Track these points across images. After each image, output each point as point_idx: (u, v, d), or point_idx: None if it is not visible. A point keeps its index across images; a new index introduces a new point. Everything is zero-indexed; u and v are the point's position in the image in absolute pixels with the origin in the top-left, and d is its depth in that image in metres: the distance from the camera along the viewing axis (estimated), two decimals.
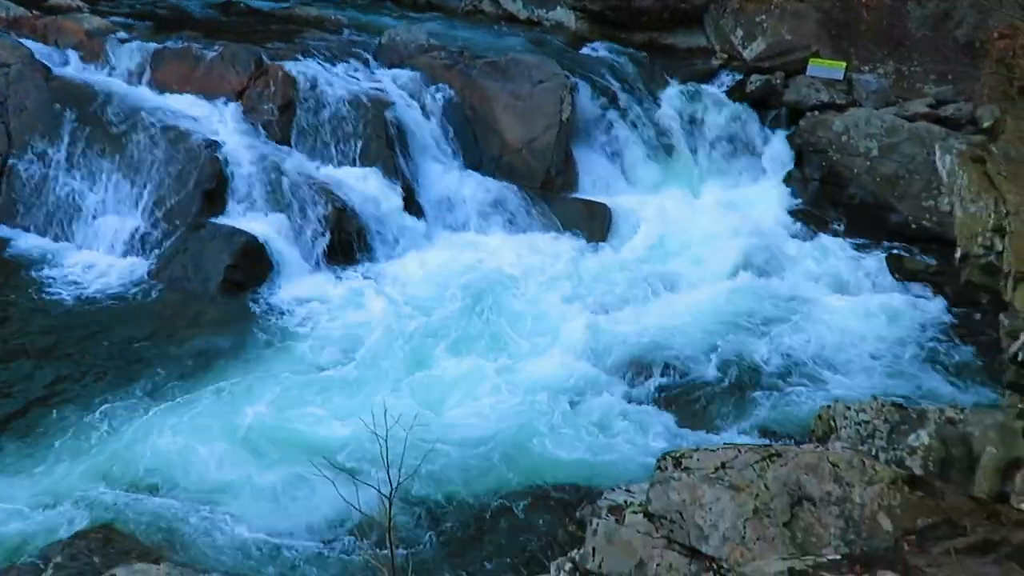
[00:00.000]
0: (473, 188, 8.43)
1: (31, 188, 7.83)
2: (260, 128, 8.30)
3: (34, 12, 9.27)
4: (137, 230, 7.65)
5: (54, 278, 7.15)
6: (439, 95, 8.77)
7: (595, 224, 8.39)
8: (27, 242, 7.52)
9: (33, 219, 7.75)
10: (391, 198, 8.03)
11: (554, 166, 8.72)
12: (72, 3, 9.67)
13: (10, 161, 7.86)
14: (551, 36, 10.64)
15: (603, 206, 8.59)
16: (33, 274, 7.16)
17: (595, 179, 8.83)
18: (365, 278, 7.50)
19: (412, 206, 8.20)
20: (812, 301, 7.38)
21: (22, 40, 8.52)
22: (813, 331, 6.93)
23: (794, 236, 8.41)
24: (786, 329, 6.97)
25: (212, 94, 8.45)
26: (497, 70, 9.04)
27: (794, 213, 8.74)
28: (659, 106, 9.41)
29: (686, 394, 6.19)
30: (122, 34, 8.82)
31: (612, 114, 9.14)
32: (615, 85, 9.33)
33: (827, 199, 8.82)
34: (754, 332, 6.94)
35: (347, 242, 7.73)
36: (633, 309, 7.17)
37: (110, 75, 8.50)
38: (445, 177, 8.48)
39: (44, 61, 8.38)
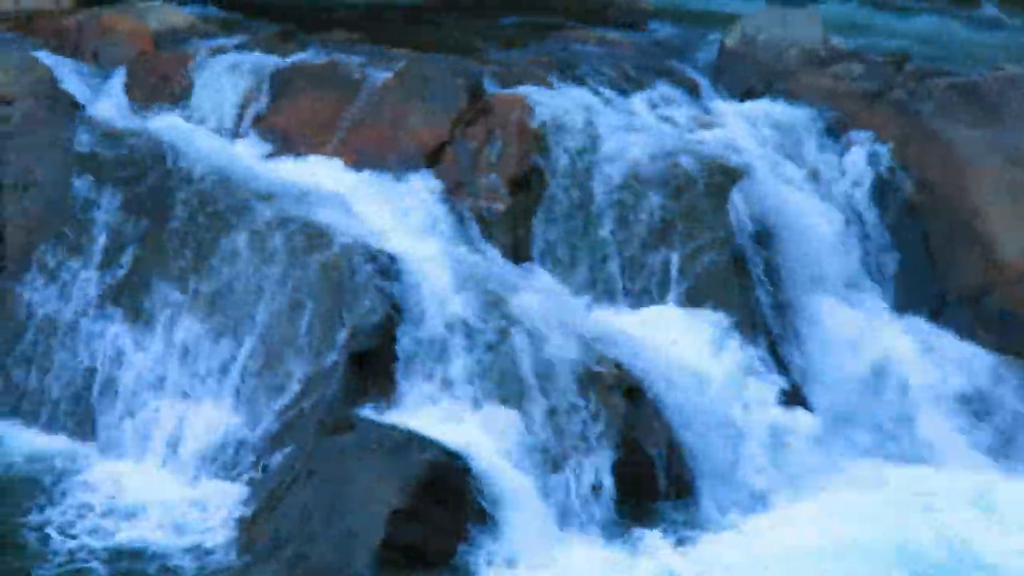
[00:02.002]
0: (926, 361, 8.24)
1: (32, 340, 8.16)
2: (473, 223, 8.42)
3: (60, 3, 10.06)
4: (219, 428, 7.78)
5: (57, 516, 7.34)
6: (852, 156, 8.97)
7: None
8: (18, 442, 7.92)
9: (32, 400, 8.09)
10: (745, 379, 7.86)
11: None
12: None
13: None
14: None
15: None
16: (21, 506, 7.43)
17: None
18: (683, 554, 7.25)
19: (789, 396, 7.96)
20: None
21: (38, 54, 9.12)
22: None
23: None
24: None
25: (379, 155, 8.66)
26: (977, 102, 9.13)
27: None
28: None
29: None
30: (219, 39, 9.39)
31: None
32: None
33: None
34: None
35: (644, 470, 7.58)
36: None
37: (190, 120, 8.92)
38: (860, 333, 8.44)
39: (73, 92, 8.90)
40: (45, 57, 9.15)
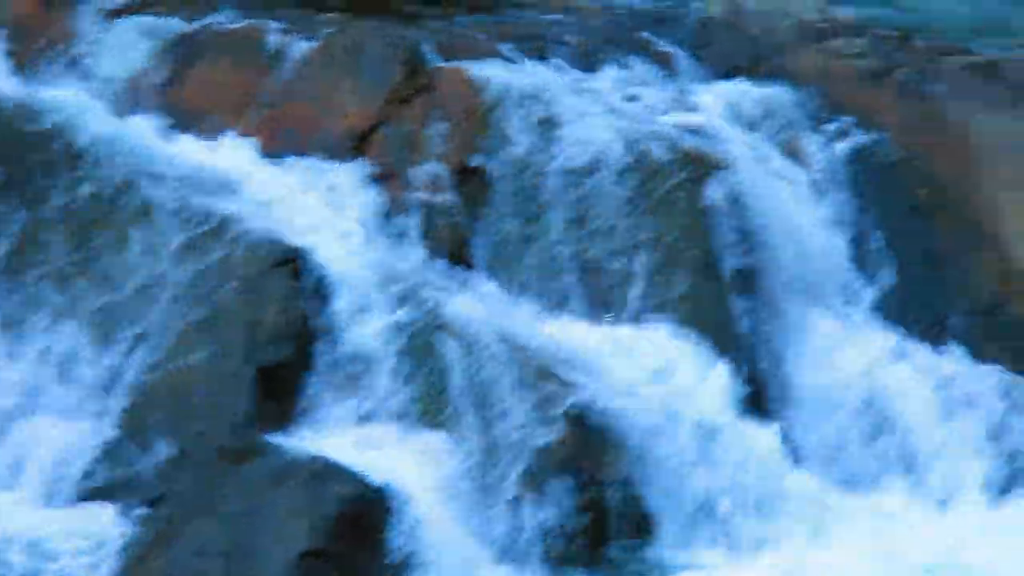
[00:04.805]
0: (928, 383, 8.32)
1: None
2: (406, 219, 8.49)
3: None
4: (104, 451, 7.83)
5: None
6: (849, 145, 8.94)
7: None
8: None
9: None
10: (717, 403, 7.95)
11: None
12: None
13: None
14: None
15: None
16: None
17: None
18: None
19: (767, 423, 8.05)
20: None
21: None
22: None
23: None
24: None
25: (300, 138, 8.77)
26: (997, 85, 9.26)
27: None
28: None
29: None
30: None
31: None
32: None
33: None
34: None
35: (595, 505, 7.61)
36: None
37: (83, 91, 8.92)
38: (852, 351, 8.43)
39: None
40: None
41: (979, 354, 8.59)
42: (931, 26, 9.96)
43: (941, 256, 8.96)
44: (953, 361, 8.59)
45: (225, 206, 8.35)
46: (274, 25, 9.27)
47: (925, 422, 8.39)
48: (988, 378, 8.50)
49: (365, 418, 7.85)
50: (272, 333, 7.91)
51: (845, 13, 10.15)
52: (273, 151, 8.78)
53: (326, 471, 7.39)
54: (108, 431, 7.90)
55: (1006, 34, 10.37)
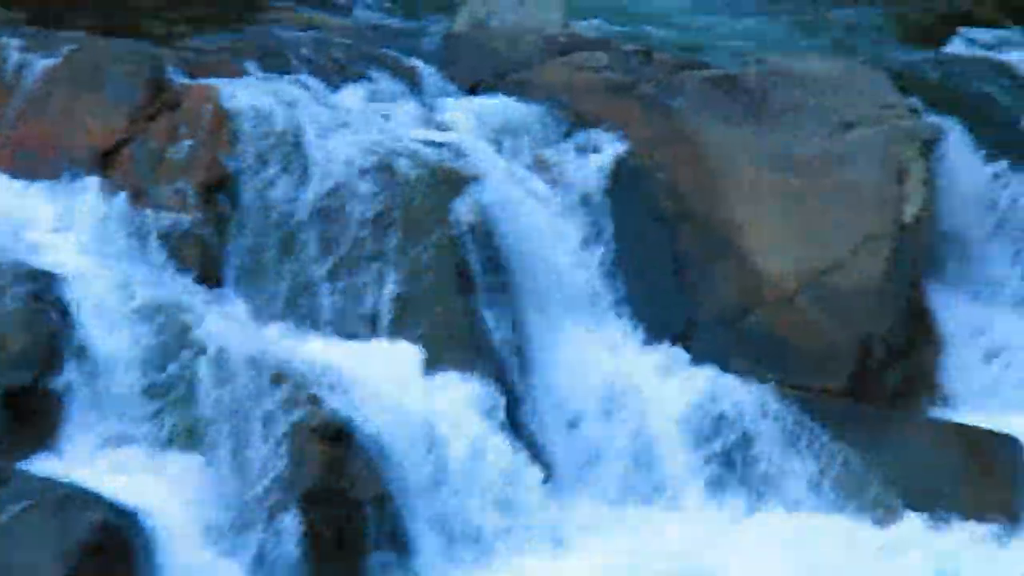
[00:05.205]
0: (671, 391, 8.49)
1: None
2: (153, 238, 8.32)
3: None
4: None
5: None
6: (592, 159, 9.03)
7: (988, 486, 8.35)
8: None
9: None
10: (468, 416, 7.94)
11: (880, 340, 8.78)
12: None
13: None
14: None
15: (1011, 442, 8.51)
16: None
17: (990, 372, 9.07)
18: None
19: (516, 434, 8.08)
20: None
21: None
22: None
23: None
24: None
25: (42, 157, 8.57)
26: (736, 98, 9.39)
27: None
28: None
29: None
30: None
31: None
32: None
33: None
34: None
35: (352, 522, 7.62)
36: None
37: None
38: (600, 361, 8.58)
39: None
40: None
41: (724, 362, 8.68)
42: (673, 40, 10.10)
43: (687, 266, 9.06)
44: (699, 370, 8.69)
45: None
46: (14, 42, 9.01)
47: (670, 432, 8.49)
48: (733, 387, 8.61)
49: (116, 442, 7.69)
50: (16, 357, 7.69)
51: (588, 28, 10.29)
52: (15, 171, 8.54)
53: (74, 497, 7.25)
54: None
55: (747, 48, 10.60)
